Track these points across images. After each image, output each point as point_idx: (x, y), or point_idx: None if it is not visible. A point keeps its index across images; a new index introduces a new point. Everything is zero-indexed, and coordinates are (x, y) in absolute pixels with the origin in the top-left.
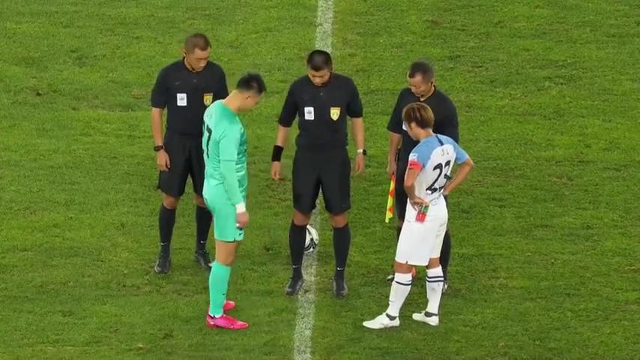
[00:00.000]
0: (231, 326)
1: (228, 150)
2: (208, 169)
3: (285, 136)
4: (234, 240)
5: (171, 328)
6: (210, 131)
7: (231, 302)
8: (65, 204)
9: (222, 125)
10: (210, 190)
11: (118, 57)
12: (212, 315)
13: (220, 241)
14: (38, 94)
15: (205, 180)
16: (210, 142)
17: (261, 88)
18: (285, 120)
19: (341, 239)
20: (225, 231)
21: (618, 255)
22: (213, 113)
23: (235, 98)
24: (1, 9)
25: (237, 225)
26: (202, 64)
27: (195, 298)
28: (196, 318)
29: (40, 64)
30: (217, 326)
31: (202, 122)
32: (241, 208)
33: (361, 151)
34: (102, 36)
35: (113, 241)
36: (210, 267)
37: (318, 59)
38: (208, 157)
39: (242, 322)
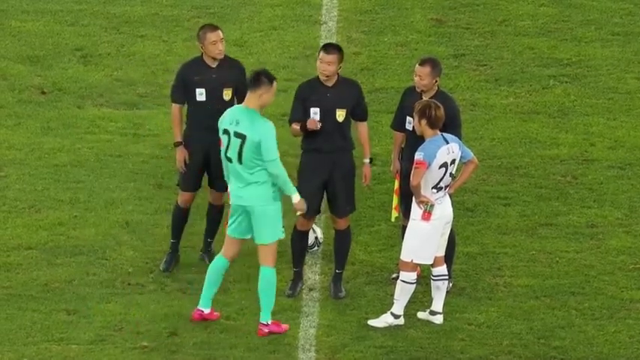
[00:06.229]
0: (281, 330)
1: (272, 149)
2: (243, 175)
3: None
4: (275, 240)
5: (176, 326)
6: (242, 136)
7: (216, 313)
8: (70, 202)
9: (258, 127)
10: (251, 195)
11: (123, 55)
12: (265, 322)
13: (264, 245)
14: (43, 93)
15: (239, 188)
16: (244, 148)
17: (270, 79)
18: (296, 120)
19: (342, 241)
20: (268, 233)
21: (623, 253)
22: (241, 119)
23: (252, 100)
24: (6, 7)
25: (299, 213)
26: (220, 47)
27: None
28: None
29: (44, 63)
30: (271, 332)
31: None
32: (297, 197)
33: (367, 160)
34: (107, 34)
35: (118, 240)
36: None
37: (331, 44)
38: (241, 163)
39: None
